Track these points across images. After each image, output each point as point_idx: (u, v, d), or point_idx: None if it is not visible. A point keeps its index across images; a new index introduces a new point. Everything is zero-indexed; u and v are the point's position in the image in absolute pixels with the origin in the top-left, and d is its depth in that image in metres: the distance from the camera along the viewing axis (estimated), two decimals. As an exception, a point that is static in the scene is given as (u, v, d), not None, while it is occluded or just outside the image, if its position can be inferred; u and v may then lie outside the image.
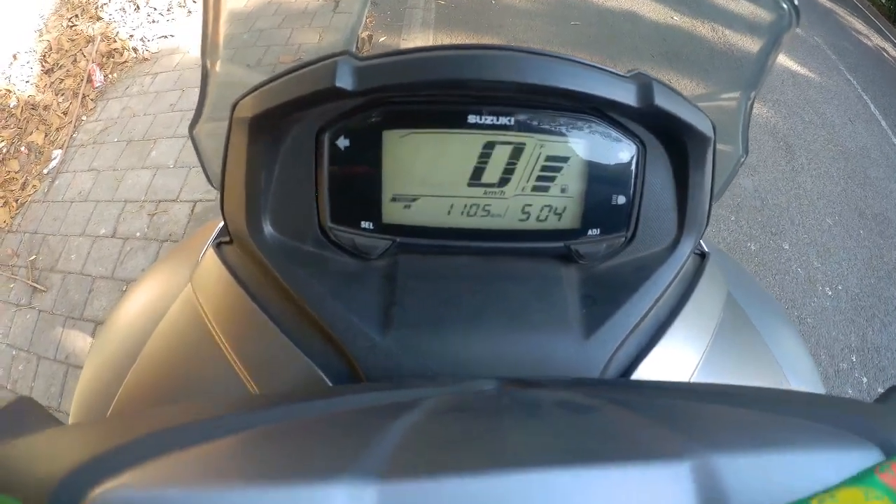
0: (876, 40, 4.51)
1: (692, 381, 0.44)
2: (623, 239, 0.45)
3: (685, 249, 0.46)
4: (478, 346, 0.40)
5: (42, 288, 2.10)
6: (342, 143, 0.42)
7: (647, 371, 0.43)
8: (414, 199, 0.42)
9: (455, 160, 0.42)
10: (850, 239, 2.61)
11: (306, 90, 0.39)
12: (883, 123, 3.44)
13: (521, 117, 0.41)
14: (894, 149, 3.25)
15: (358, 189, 0.42)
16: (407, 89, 0.39)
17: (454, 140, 0.41)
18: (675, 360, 0.44)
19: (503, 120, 0.41)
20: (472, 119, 0.41)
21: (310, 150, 0.42)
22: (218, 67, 0.50)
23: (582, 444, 0.27)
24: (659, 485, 0.22)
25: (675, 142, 0.44)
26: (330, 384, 0.40)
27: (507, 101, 0.41)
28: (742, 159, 0.56)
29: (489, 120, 0.41)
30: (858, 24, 4.70)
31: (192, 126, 0.51)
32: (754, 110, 0.54)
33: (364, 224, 0.43)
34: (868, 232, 2.68)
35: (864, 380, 2.02)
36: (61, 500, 0.20)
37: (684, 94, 0.42)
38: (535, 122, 0.42)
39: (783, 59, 3.64)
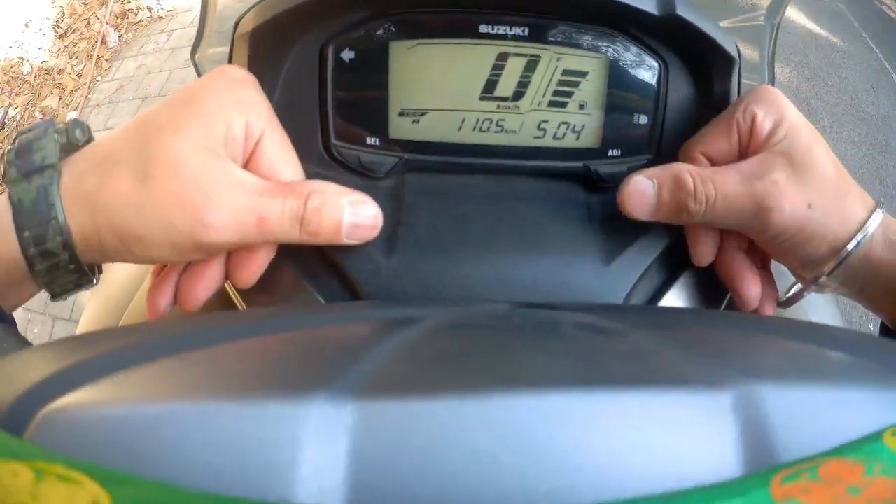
0: (900, 10, 4.40)
1: None
2: (645, 162, 0.43)
3: None
4: (490, 269, 0.39)
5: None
6: (347, 55, 0.40)
7: (673, 302, 0.41)
8: (423, 114, 0.40)
9: (466, 72, 0.40)
10: (871, 206, 2.57)
11: None
12: (906, 93, 3.36)
13: (537, 28, 0.39)
14: (917, 120, 3.17)
15: (363, 104, 0.41)
16: None
17: (465, 51, 0.39)
18: (702, 293, 0.42)
19: (517, 30, 0.39)
20: (483, 29, 0.39)
21: (313, 66, 0.40)
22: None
23: (605, 366, 0.24)
24: (694, 415, 0.19)
25: (699, 61, 0.41)
26: None
27: (521, 9, 0.39)
28: None
29: (502, 30, 0.39)
30: (882, -7, 4.59)
31: (193, 50, 0.49)
32: (777, 71, 0.52)
33: (370, 140, 0.41)
34: (889, 199, 2.63)
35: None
36: (12, 424, 0.18)
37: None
38: (551, 34, 0.39)
39: (806, 22, 3.56)
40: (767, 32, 0.52)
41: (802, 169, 0.36)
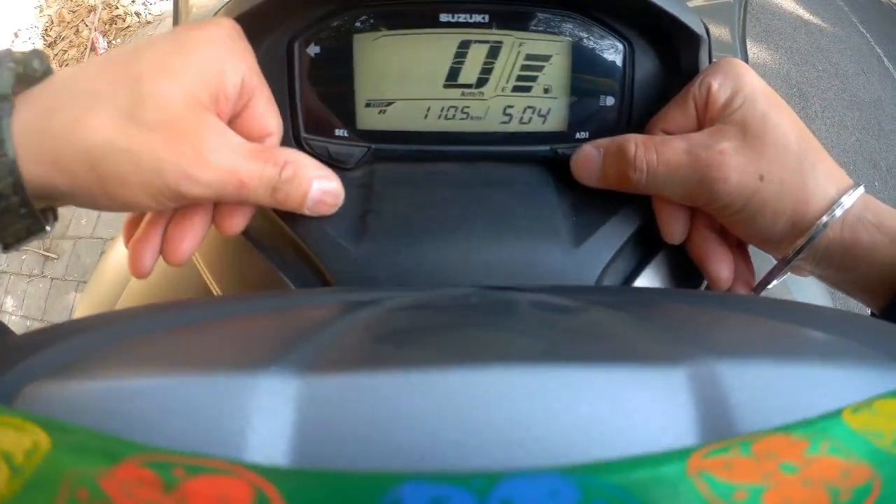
0: (888, -5, 4.39)
1: None
2: None
3: None
4: (460, 254, 0.39)
5: (53, 256, 2.11)
6: (313, 50, 0.40)
7: (647, 285, 0.42)
8: (389, 104, 0.41)
9: (429, 61, 0.40)
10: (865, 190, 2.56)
11: None
12: (897, 77, 3.35)
13: (497, 14, 0.40)
14: (909, 103, 3.16)
15: (331, 96, 0.41)
16: None
17: (427, 41, 0.40)
18: (677, 276, 0.43)
19: (477, 17, 0.40)
20: (444, 18, 0.40)
21: (282, 62, 0.41)
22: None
23: (558, 342, 0.24)
24: (647, 392, 0.19)
25: (665, 40, 0.41)
26: None
27: None
28: None
29: (462, 18, 0.40)
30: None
31: None
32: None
33: (339, 132, 0.42)
34: (883, 184, 2.63)
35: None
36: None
37: None
38: (512, 20, 0.40)
39: (794, 7, 3.56)
40: (736, 10, 0.53)
41: (755, 139, 0.35)
